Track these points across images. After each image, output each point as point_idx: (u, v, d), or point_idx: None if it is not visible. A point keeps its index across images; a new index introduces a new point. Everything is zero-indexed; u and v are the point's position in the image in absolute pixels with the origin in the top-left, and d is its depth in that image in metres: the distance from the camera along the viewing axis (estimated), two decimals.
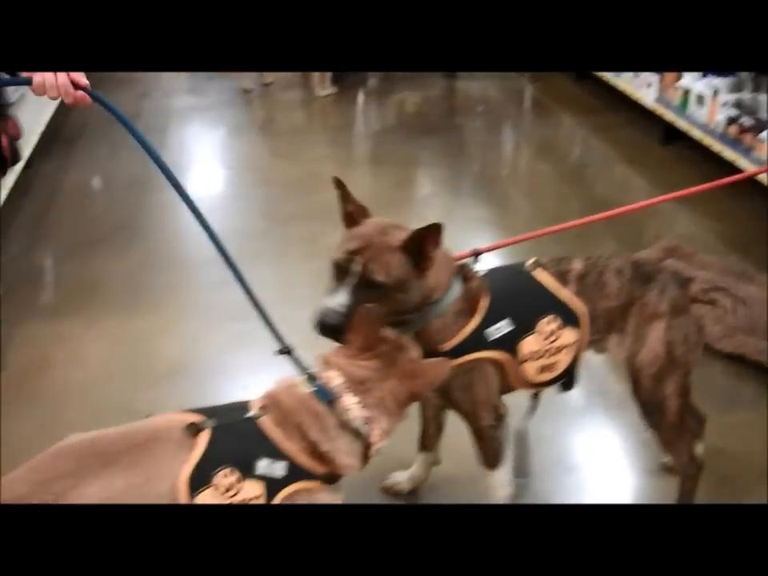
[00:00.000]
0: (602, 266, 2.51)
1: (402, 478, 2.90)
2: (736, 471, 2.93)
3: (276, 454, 1.90)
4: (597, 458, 3.06)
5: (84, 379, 3.40)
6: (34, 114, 5.25)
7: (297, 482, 1.90)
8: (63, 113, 6.26)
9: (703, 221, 4.92)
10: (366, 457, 2.02)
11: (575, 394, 3.26)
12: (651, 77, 5.89)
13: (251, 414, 1.95)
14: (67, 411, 3.21)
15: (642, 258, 2.60)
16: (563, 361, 2.44)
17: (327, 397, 1.97)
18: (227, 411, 1.99)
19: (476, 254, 2.52)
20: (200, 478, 1.81)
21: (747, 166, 4.80)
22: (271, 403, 1.98)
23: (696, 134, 5.35)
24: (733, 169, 4.99)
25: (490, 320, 2.36)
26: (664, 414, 2.52)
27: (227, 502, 1.81)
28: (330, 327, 2.18)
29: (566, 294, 2.43)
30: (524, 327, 2.38)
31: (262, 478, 1.86)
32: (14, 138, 4.70)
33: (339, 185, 2.33)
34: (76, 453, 1.80)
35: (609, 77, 6.63)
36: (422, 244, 2.20)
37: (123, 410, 3.19)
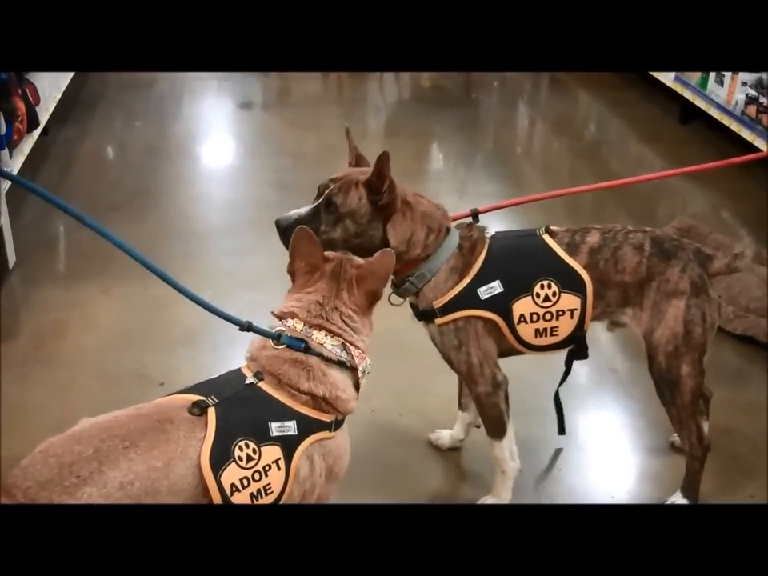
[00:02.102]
0: (620, 240, 2.52)
1: (444, 435, 2.97)
2: (743, 451, 2.95)
3: (284, 413, 1.93)
4: (607, 435, 3.09)
5: (98, 345, 3.44)
6: (51, 80, 5.25)
7: (310, 436, 1.95)
8: (80, 80, 6.27)
9: (718, 199, 4.91)
10: (357, 384, 2.08)
11: (586, 370, 3.28)
12: None
13: (249, 380, 1.98)
14: (82, 376, 3.25)
15: (663, 233, 2.59)
16: (564, 326, 2.47)
17: (298, 344, 2.01)
18: (224, 384, 2.00)
19: (474, 215, 2.58)
20: (221, 455, 1.83)
21: (765, 146, 4.77)
22: (260, 367, 2.01)
23: (714, 113, 5.32)
24: (750, 149, 4.97)
25: (483, 279, 2.43)
26: (678, 392, 2.54)
27: (250, 473, 1.85)
28: (282, 229, 2.42)
29: (570, 260, 2.46)
30: (519, 289, 2.43)
31: (277, 439, 1.90)
32: (33, 103, 4.71)
33: (347, 134, 2.62)
34: (94, 437, 1.80)
35: None
36: (380, 180, 2.35)
37: (137, 375, 3.23)
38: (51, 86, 5.22)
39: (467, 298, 2.43)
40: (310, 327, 2.04)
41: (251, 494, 1.85)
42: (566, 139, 5.90)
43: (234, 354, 3.42)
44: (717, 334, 3.46)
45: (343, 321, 2.07)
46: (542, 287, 2.43)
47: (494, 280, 2.42)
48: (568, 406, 2.94)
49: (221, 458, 1.83)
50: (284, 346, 2.02)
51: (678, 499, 2.67)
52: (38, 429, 2.95)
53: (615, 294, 2.50)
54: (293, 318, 2.07)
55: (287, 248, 2.20)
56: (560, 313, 2.45)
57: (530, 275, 2.44)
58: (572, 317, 2.46)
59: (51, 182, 4.90)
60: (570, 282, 2.45)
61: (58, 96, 5.41)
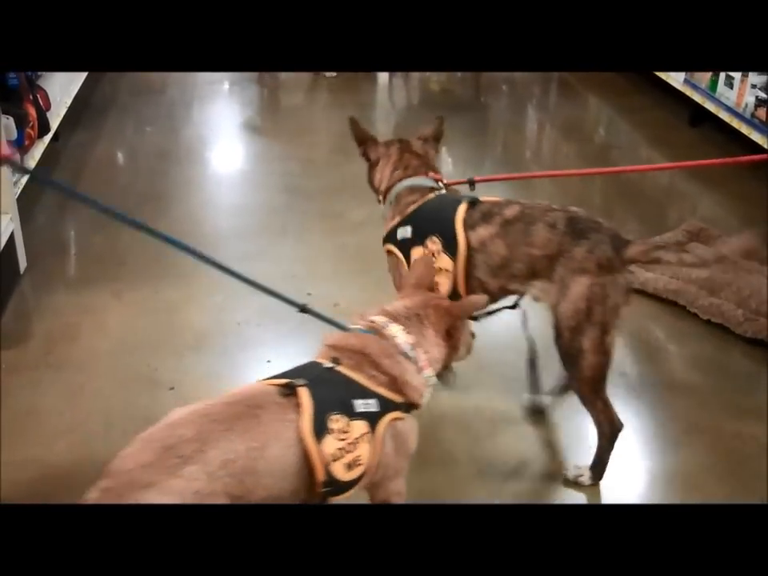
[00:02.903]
0: (536, 215, 2.67)
1: None
2: (753, 453, 2.94)
3: (365, 393, 2.09)
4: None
5: (109, 349, 3.45)
6: (62, 85, 5.28)
7: (388, 414, 2.10)
8: (91, 85, 6.30)
9: (727, 202, 4.90)
10: (421, 396, 2.22)
11: None
12: None
13: (328, 365, 2.12)
14: (93, 380, 3.26)
15: (583, 215, 2.69)
16: (442, 283, 2.73)
17: (374, 332, 2.21)
18: (303, 370, 2.13)
19: (471, 182, 3.05)
20: (320, 427, 1.96)
21: None
22: (339, 353, 2.16)
23: (724, 115, 5.32)
24: (760, 151, 4.96)
25: (404, 223, 2.84)
26: (580, 367, 2.63)
27: (344, 444, 1.98)
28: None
29: (459, 226, 2.72)
30: (419, 239, 2.78)
31: (362, 415, 2.04)
32: (44, 109, 4.74)
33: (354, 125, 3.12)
34: (194, 422, 1.88)
35: None
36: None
37: (148, 379, 3.24)
38: (62, 92, 5.25)
39: (390, 236, 2.88)
40: (389, 320, 2.23)
41: (346, 464, 1.98)
42: (576, 143, 5.90)
43: (244, 358, 3.46)
44: (727, 338, 3.50)
45: (420, 328, 2.25)
46: (432, 242, 2.74)
47: (409, 226, 2.82)
48: (577, 410, 2.94)
49: (320, 429, 1.95)
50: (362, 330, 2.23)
51: (585, 475, 2.78)
52: (50, 433, 2.98)
53: (521, 266, 2.66)
54: (374, 313, 2.27)
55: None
56: (438, 269, 2.69)
57: (428, 230, 2.76)
58: (447, 277, 2.73)
59: None
60: (449, 245, 2.71)
61: (69, 101, 5.44)
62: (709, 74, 5.51)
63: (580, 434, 2.97)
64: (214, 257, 4.15)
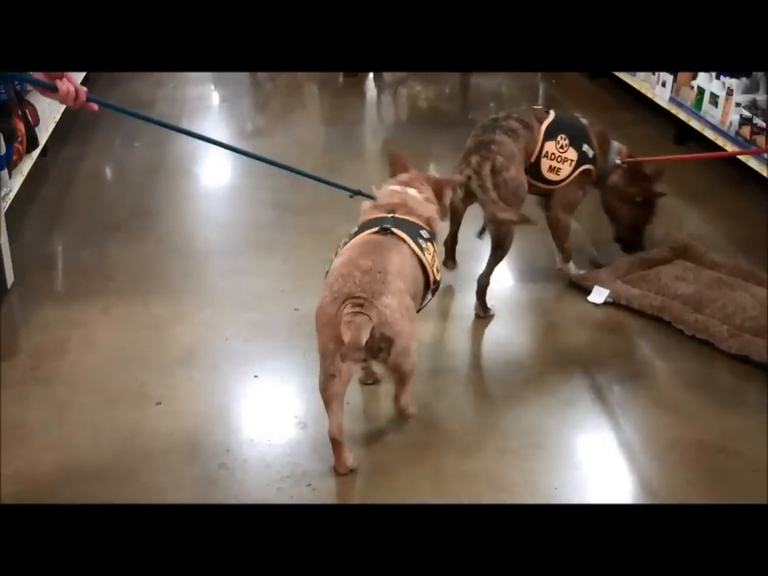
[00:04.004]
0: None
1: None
2: (737, 469, 2.95)
3: (421, 228, 3.01)
4: (603, 454, 3.09)
5: (97, 364, 3.44)
6: (51, 101, 5.28)
7: (431, 242, 3.01)
8: None
9: (714, 220, 4.94)
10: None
11: (583, 392, 3.30)
12: (666, 76, 5.90)
13: (391, 215, 3.00)
14: (80, 395, 3.25)
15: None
16: (565, 170, 3.95)
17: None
18: (377, 221, 2.98)
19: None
20: (419, 246, 2.92)
21: (758, 167, 4.82)
22: (391, 207, 3.06)
23: (709, 133, 5.36)
24: (744, 169, 5.02)
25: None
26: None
27: (431, 255, 2.96)
28: None
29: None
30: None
31: (427, 239, 2.99)
32: (33, 124, 4.75)
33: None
34: (360, 256, 2.78)
35: (623, 75, 6.64)
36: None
37: (135, 394, 3.24)
38: (51, 107, 5.25)
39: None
40: (405, 185, 3.18)
41: (437, 269, 3.00)
42: None
43: (232, 373, 3.47)
44: (712, 354, 3.52)
45: (424, 189, 3.21)
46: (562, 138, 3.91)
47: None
48: (566, 424, 2.96)
49: (420, 248, 2.92)
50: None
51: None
52: (38, 447, 2.97)
53: None
54: (396, 184, 3.21)
55: None
56: (565, 158, 3.91)
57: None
58: (570, 165, 3.95)
59: (51, 202, 4.93)
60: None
61: (57, 117, 5.45)
62: (694, 93, 5.56)
63: None
64: (202, 272, 4.20)
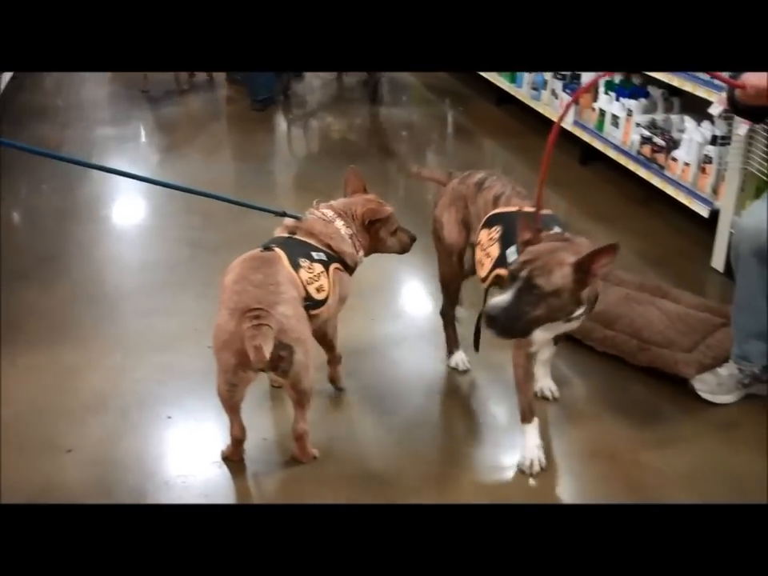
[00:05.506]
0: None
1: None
2: (650, 482, 3.01)
3: (316, 249, 3.08)
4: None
5: (8, 415, 3.33)
6: None
7: (334, 262, 3.10)
8: None
9: (622, 239, 5.01)
10: (356, 263, 3.25)
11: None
12: (568, 99, 6.04)
13: (287, 235, 3.11)
14: None
15: None
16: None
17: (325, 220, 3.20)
18: (271, 241, 3.07)
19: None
20: (294, 264, 2.93)
21: (660, 184, 4.96)
22: (296, 229, 3.13)
23: (612, 153, 5.52)
24: (647, 186, 5.16)
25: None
26: None
27: (312, 275, 2.96)
28: (491, 318, 2.68)
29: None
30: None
31: (318, 260, 3.04)
32: None
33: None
34: (247, 270, 2.88)
35: (528, 100, 6.78)
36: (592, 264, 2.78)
37: (48, 444, 3.16)
38: None
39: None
40: (336, 214, 3.23)
41: (315, 288, 2.95)
42: None
43: (144, 416, 3.40)
44: (622, 368, 3.60)
45: (353, 221, 3.26)
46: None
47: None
48: (485, 443, 2.96)
49: (294, 264, 2.93)
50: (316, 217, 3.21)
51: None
52: None
53: None
54: (328, 210, 3.26)
55: (498, 334, 2.70)
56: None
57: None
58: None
59: None
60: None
61: None
62: (596, 115, 5.72)
63: None
64: (114, 316, 4.13)
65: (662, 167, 4.99)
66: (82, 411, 3.35)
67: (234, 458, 3.03)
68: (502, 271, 2.99)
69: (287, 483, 3.00)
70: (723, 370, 3.44)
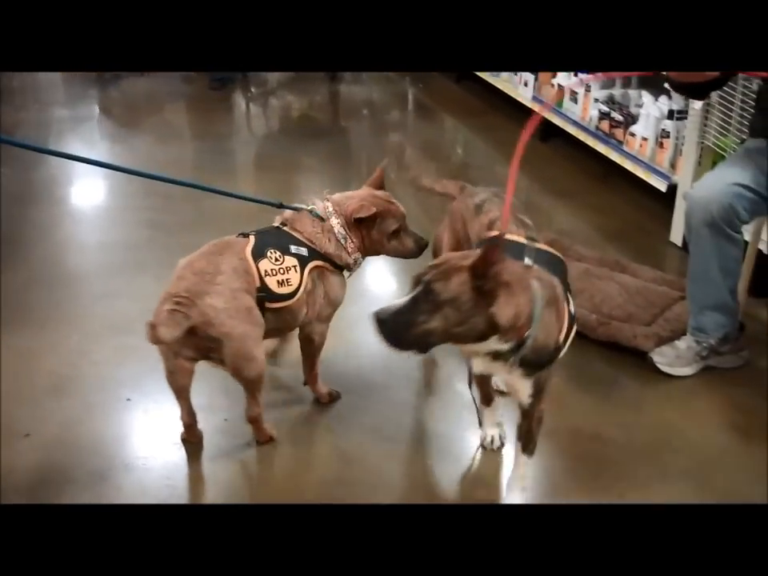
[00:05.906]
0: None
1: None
2: (611, 455, 3.04)
3: (299, 242, 2.96)
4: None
5: None
6: None
7: (315, 260, 2.96)
8: None
9: (582, 214, 5.09)
10: (348, 263, 3.07)
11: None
12: (528, 76, 6.05)
13: (277, 224, 3.03)
14: None
15: None
16: None
17: (321, 216, 3.03)
18: (259, 228, 3.01)
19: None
20: (258, 252, 2.84)
21: (619, 159, 4.99)
22: (288, 220, 3.03)
23: (571, 129, 5.53)
24: (606, 162, 5.19)
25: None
26: None
27: (277, 267, 2.84)
28: (381, 321, 2.22)
29: None
30: None
31: (294, 255, 2.91)
32: None
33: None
34: (200, 257, 2.86)
35: (488, 77, 6.77)
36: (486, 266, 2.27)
37: (6, 430, 3.12)
38: None
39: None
40: (334, 211, 3.04)
41: (278, 281, 2.83)
42: (435, 164, 6.00)
43: (103, 398, 3.37)
44: (583, 342, 3.62)
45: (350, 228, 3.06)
46: None
47: None
48: (445, 420, 2.96)
49: (258, 253, 2.84)
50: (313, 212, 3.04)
51: None
52: None
53: None
54: (329, 202, 3.08)
55: (387, 342, 2.22)
56: None
57: None
58: None
59: None
60: None
61: None
62: (555, 90, 5.72)
63: None
64: (72, 298, 4.08)
65: (620, 142, 5.02)
66: (40, 395, 3.32)
67: (192, 440, 3.02)
68: None
69: (247, 465, 3.01)
70: (681, 343, 3.48)
